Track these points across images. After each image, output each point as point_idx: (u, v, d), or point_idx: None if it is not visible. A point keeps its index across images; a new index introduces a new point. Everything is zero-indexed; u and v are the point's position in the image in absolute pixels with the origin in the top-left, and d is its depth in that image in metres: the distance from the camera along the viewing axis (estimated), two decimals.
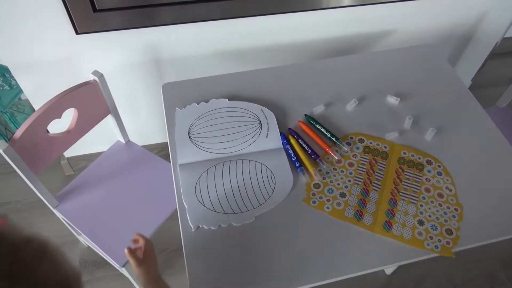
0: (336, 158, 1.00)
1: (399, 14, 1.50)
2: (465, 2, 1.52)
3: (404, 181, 0.97)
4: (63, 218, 1.25)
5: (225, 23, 1.34)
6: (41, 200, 1.19)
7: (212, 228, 0.88)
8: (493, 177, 0.99)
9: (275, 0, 1.29)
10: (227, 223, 0.89)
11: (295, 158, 0.99)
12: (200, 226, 0.89)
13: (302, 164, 0.98)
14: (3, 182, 1.80)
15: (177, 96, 1.13)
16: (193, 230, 0.88)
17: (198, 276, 0.83)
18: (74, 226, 1.22)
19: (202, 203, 0.92)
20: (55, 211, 1.24)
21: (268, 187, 0.94)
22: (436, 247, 0.87)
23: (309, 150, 1.01)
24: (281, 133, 1.05)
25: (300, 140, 1.03)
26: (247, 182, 0.95)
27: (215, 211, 0.91)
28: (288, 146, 1.02)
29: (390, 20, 1.52)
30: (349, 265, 0.85)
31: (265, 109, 1.09)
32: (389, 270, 1.59)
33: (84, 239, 1.48)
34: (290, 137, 1.03)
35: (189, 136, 1.03)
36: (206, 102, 1.10)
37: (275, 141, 1.03)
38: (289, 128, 1.06)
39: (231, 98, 1.12)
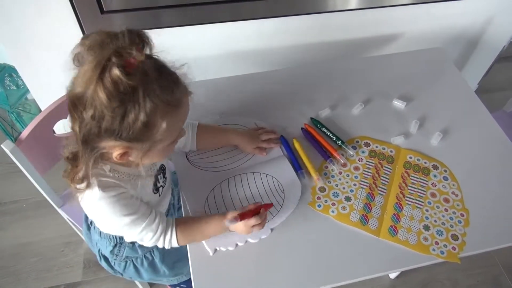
0: (341, 161, 1.00)
1: (406, 17, 1.49)
2: (473, 6, 1.51)
3: (410, 186, 0.97)
4: (68, 218, 1.25)
5: (231, 25, 1.34)
6: (46, 199, 1.19)
7: (229, 248, 0.85)
8: (500, 182, 0.98)
9: (282, 3, 1.29)
10: (244, 241, 0.86)
11: (294, 161, 0.98)
12: (218, 249, 0.85)
13: (304, 167, 0.98)
14: (9, 181, 1.81)
15: None
16: (211, 254, 0.85)
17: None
18: (79, 226, 1.23)
19: None
20: (60, 210, 1.25)
21: (278, 197, 0.93)
22: (442, 252, 0.86)
23: (319, 151, 1.01)
24: (281, 136, 1.04)
25: (310, 141, 1.03)
26: (256, 194, 0.93)
27: (230, 230, 0.87)
28: (288, 149, 1.01)
29: (397, 23, 1.51)
30: (353, 269, 0.84)
31: (258, 121, 1.08)
32: (393, 274, 1.58)
33: None
34: (295, 140, 1.03)
35: (187, 159, 1.01)
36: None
37: (275, 150, 1.02)
38: (302, 128, 1.06)
39: (233, 101, 1.12)
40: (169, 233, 0.82)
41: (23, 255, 1.62)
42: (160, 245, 0.83)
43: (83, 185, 0.71)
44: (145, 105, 0.61)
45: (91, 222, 1.02)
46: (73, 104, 0.62)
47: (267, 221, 0.88)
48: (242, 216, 0.80)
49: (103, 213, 0.76)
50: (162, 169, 0.90)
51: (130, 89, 0.59)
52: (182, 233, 0.84)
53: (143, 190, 0.80)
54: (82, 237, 1.49)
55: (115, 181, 0.74)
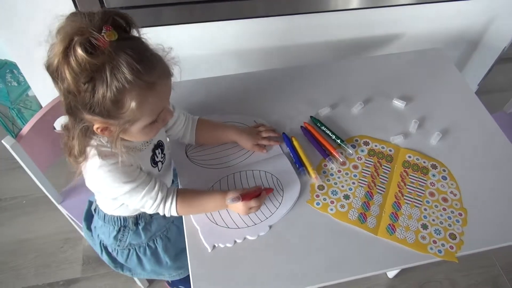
0: (340, 160, 1.00)
1: (407, 18, 1.49)
2: (474, 7, 1.51)
3: (408, 185, 0.97)
4: (67, 214, 1.26)
5: (231, 24, 1.34)
6: (46, 196, 1.20)
7: (228, 245, 0.86)
8: (498, 183, 0.99)
9: (283, 2, 1.30)
10: (242, 238, 0.87)
11: (296, 159, 0.99)
12: (216, 245, 0.86)
13: (303, 165, 0.99)
14: (9, 177, 1.82)
15: (174, 99, 1.12)
16: (210, 251, 0.85)
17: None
18: (78, 222, 1.23)
19: (214, 221, 0.89)
20: (60, 207, 1.25)
21: (277, 195, 0.93)
22: (440, 251, 0.87)
23: (319, 149, 1.01)
24: (283, 133, 1.05)
25: (310, 139, 1.04)
26: None
27: (228, 227, 0.89)
28: (290, 148, 1.01)
29: (398, 23, 1.51)
30: (351, 267, 0.85)
31: (258, 120, 1.08)
32: (391, 273, 1.58)
33: None
34: (294, 139, 1.03)
35: (186, 156, 1.02)
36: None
37: (274, 147, 1.03)
38: (301, 126, 1.07)
39: (233, 99, 1.12)
40: (169, 201, 0.85)
41: (22, 251, 1.62)
42: (160, 213, 0.86)
43: (81, 159, 0.76)
44: (111, 84, 0.63)
45: (94, 209, 1.03)
46: (51, 76, 0.66)
47: (265, 218, 0.89)
48: (243, 197, 0.85)
49: (103, 181, 0.78)
50: (160, 145, 0.91)
51: (96, 67, 0.61)
52: (182, 203, 0.86)
53: (141, 162, 0.83)
54: (82, 233, 1.50)
55: (114, 150, 0.77)
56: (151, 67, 0.67)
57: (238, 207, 0.86)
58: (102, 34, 0.61)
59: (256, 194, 0.88)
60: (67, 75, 0.62)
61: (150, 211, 0.85)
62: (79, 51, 0.60)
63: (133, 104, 0.66)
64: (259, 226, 0.89)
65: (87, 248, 1.62)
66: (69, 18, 0.64)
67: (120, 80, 0.63)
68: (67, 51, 0.61)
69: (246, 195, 0.86)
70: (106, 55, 0.61)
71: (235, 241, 0.87)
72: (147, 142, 0.87)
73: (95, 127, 0.71)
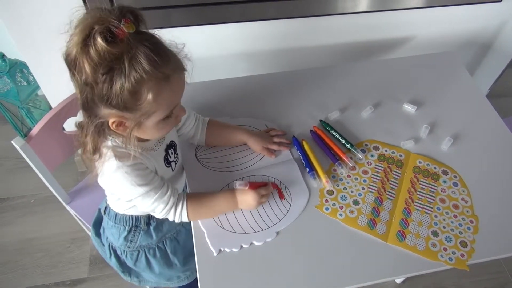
0: (350, 165, 0.99)
1: (419, 21, 1.48)
2: (486, 10, 1.49)
3: (419, 191, 0.96)
4: (75, 214, 1.26)
5: (241, 26, 1.34)
6: (54, 195, 1.20)
7: (234, 250, 0.85)
8: (511, 189, 0.97)
9: (293, 4, 1.29)
10: (248, 243, 0.86)
11: (306, 163, 0.98)
12: (222, 249, 0.85)
13: (314, 169, 0.98)
14: (18, 176, 1.83)
15: (184, 100, 1.12)
16: (215, 255, 0.85)
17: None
18: (86, 223, 1.23)
19: (221, 225, 0.89)
20: (67, 207, 1.25)
21: (285, 202, 0.93)
22: (450, 259, 0.85)
23: (328, 153, 1.00)
24: (293, 136, 1.04)
25: (319, 143, 1.03)
26: None
27: (235, 232, 0.88)
28: (300, 151, 1.01)
29: (409, 26, 1.50)
30: (360, 274, 0.84)
31: (268, 123, 1.08)
32: (399, 279, 1.57)
33: None
34: (304, 142, 1.02)
35: (196, 158, 1.01)
36: None
37: (284, 153, 1.02)
38: (310, 130, 1.06)
39: (242, 101, 1.12)
40: (179, 206, 0.86)
41: (29, 250, 1.63)
42: (170, 218, 0.87)
43: (96, 156, 0.76)
44: (130, 74, 0.64)
45: (104, 210, 1.03)
46: (69, 67, 0.66)
47: (273, 224, 0.89)
48: (250, 185, 0.87)
49: (120, 183, 0.79)
50: (172, 145, 0.92)
51: (115, 57, 0.62)
52: (192, 207, 0.87)
53: (155, 162, 0.84)
54: (89, 233, 1.50)
55: (130, 152, 0.78)
56: (167, 60, 0.68)
57: (249, 200, 0.87)
58: (121, 25, 0.63)
59: (263, 184, 0.91)
60: (86, 65, 0.62)
61: (160, 215, 0.86)
62: (99, 40, 0.61)
63: (150, 96, 0.67)
64: (266, 232, 0.88)
65: (94, 248, 1.62)
66: (88, 12, 0.65)
67: (138, 71, 0.64)
68: (86, 41, 0.61)
69: (253, 184, 0.88)
70: (125, 45, 0.63)
71: (241, 246, 0.86)
72: (159, 142, 0.87)
73: (110, 121, 0.71)
